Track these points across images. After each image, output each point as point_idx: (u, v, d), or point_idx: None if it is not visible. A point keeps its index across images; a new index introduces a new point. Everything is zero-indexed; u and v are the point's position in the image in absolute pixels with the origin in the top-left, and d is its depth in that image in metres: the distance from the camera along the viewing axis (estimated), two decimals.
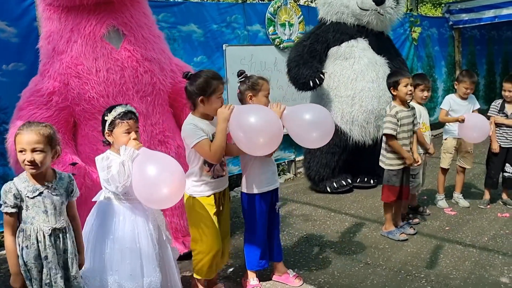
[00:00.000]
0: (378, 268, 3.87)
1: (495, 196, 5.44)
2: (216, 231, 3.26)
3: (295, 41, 6.65)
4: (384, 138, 4.43)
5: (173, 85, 4.03)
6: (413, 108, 4.45)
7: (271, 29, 6.67)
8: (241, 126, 3.03)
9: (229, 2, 6.99)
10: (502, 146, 5.18)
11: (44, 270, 2.53)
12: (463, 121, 4.87)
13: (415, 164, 4.42)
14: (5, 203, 2.50)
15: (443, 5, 11.94)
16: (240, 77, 3.48)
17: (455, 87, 5.26)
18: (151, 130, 3.82)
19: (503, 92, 5.18)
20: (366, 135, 5.83)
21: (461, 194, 5.42)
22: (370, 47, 5.95)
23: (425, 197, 5.64)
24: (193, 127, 3.10)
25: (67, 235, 2.61)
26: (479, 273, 3.72)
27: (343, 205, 5.56)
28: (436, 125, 7.98)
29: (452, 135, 5.18)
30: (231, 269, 3.90)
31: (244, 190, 3.50)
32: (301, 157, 6.97)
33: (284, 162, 7.21)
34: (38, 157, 2.46)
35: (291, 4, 6.92)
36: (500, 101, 5.26)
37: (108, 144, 3.01)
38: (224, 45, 6.08)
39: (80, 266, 2.74)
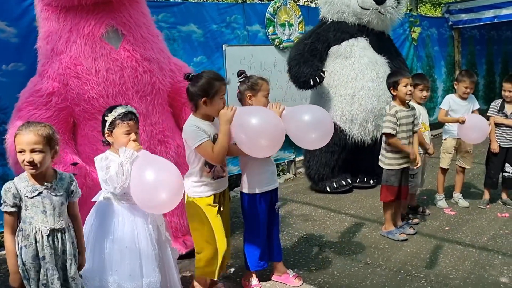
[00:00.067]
0: (378, 268, 3.87)
1: (495, 196, 5.44)
2: (222, 230, 3.24)
3: (295, 41, 6.65)
4: (383, 138, 4.44)
5: (172, 85, 4.03)
6: (413, 108, 4.45)
7: (270, 29, 6.67)
8: (243, 128, 3.02)
9: (228, 2, 6.99)
10: (501, 146, 5.18)
11: (41, 271, 2.53)
12: (463, 122, 4.87)
13: (415, 167, 4.42)
14: (5, 202, 2.51)
15: (442, 5, 11.96)
16: (240, 77, 3.48)
17: (455, 87, 5.26)
18: (151, 130, 3.82)
19: (503, 92, 5.19)
20: (365, 134, 5.83)
21: (461, 194, 5.42)
22: (370, 46, 5.95)
23: (425, 197, 5.64)
24: (195, 129, 3.08)
25: (66, 235, 2.60)
26: (479, 273, 3.72)
27: (342, 205, 5.56)
28: (436, 125, 7.98)
29: (452, 135, 5.18)
30: (231, 269, 3.90)
31: (244, 190, 3.49)
32: (300, 157, 6.98)
33: (284, 162, 7.21)
34: (37, 157, 2.46)
35: (291, 4, 6.93)
36: (499, 101, 5.27)
37: (108, 144, 3.01)
38: (223, 45, 6.08)
39: (80, 267, 2.73)
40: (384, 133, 4.36)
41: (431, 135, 5.09)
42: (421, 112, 4.77)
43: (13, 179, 2.56)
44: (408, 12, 9.24)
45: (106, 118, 2.95)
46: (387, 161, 4.40)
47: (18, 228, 2.55)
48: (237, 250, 4.10)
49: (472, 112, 5.15)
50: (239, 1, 7.55)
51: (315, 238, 4.56)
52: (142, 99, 3.76)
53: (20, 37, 4.35)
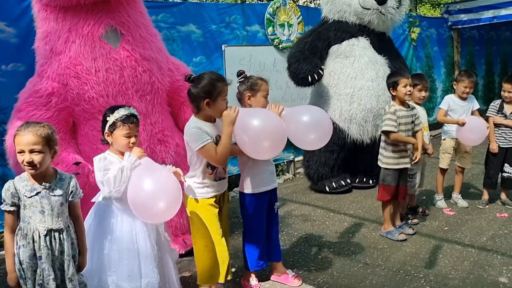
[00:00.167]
0: (377, 268, 3.87)
1: (494, 196, 5.44)
2: (221, 233, 3.23)
3: (294, 42, 6.65)
4: (382, 137, 4.44)
5: (171, 84, 4.04)
6: (413, 108, 4.45)
7: (270, 29, 6.67)
8: (245, 130, 3.01)
9: (228, 2, 7.00)
10: (501, 146, 5.18)
11: (38, 271, 2.53)
12: (463, 125, 4.86)
13: (413, 161, 4.40)
14: (4, 201, 2.53)
15: (442, 5, 11.97)
16: (239, 78, 3.48)
17: (454, 87, 5.26)
18: (151, 129, 3.82)
19: (502, 93, 5.19)
20: (364, 133, 5.84)
21: (460, 194, 5.42)
22: (371, 46, 5.97)
23: (424, 197, 5.65)
24: (198, 130, 3.05)
25: (65, 236, 2.59)
26: (478, 273, 3.72)
27: (342, 205, 5.56)
28: (435, 126, 7.97)
29: (451, 135, 5.19)
30: (231, 267, 3.90)
31: (243, 190, 3.49)
32: (300, 158, 6.99)
33: (283, 162, 7.22)
34: (36, 157, 2.46)
35: (290, 5, 6.93)
36: (499, 101, 5.27)
37: (107, 143, 3.01)
38: (223, 46, 6.08)
39: (80, 268, 2.72)
40: (384, 131, 4.34)
41: (430, 136, 5.09)
42: (420, 112, 4.77)
43: (13, 179, 2.57)
44: (407, 12, 9.24)
45: (107, 118, 2.94)
46: (385, 160, 4.41)
47: (18, 227, 2.56)
48: (236, 250, 4.10)
49: (472, 112, 5.16)
50: (239, 2, 7.54)
51: (314, 238, 4.56)
52: (142, 98, 3.76)
53: (19, 37, 4.34)
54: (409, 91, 4.31)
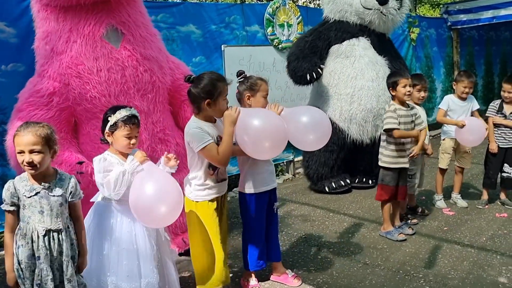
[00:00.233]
0: (377, 268, 3.87)
1: (493, 196, 5.45)
2: (219, 236, 3.21)
3: (294, 42, 6.65)
4: (383, 137, 4.43)
5: (172, 82, 4.06)
6: (413, 108, 4.46)
7: (269, 29, 6.68)
8: (246, 130, 3.01)
9: (227, 2, 7.00)
10: (500, 146, 5.19)
11: (36, 271, 2.53)
12: (463, 126, 4.86)
13: (409, 154, 4.37)
14: (5, 200, 2.53)
15: (441, 5, 11.97)
16: (239, 78, 3.48)
17: (454, 87, 5.26)
18: (152, 128, 3.84)
19: (502, 93, 5.19)
20: (364, 133, 5.84)
21: (459, 195, 5.43)
22: (371, 46, 5.97)
23: (424, 198, 5.65)
24: (199, 131, 3.03)
25: (64, 237, 2.58)
26: (477, 273, 3.72)
27: (341, 205, 5.57)
28: (434, 126, 7.98)
29: (450, 135, 5.19)
30: (230, 270, 3.90)
31: (242, 190, 3.49)
32: (299, 158, 6.98)
33: (283, 162, 7.22)
34: (36, 158, 2.46)
35: (290, 5, 6.93)
36: (498, 101, 5.27)
37: (106, 143, 3.01)
38: (222, 46, 6.08)
39: (80, 269, 2.71)
40: (387, 129, 4.31)
41: (430, 136, 5.10)
42: (419, 112, 4.77)
43: (13, 179, 2.58)
44: (407, 12, 9.25)
45: (109, 118, 2.93)
46: (384, 158, 4.40)
47: (18, 227, 2.56)
48: (236, 251, 4.11)
49: (472, 112, 5.16)
50: (238, 2, 7.54)
51: (314, 238, 4.56)
52: (143, 97, 3.78)
53: (19, 37, 4.34)
54: (409, 91, 4.31)
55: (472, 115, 5.15)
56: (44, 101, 3.58)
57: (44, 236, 2.53)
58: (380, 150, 4.48)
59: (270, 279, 3.71)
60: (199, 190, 3.17)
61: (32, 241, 2.52)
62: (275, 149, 3.05)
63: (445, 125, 5.26)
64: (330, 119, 5.56)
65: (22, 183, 2.53)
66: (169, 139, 3.94)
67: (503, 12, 9.11)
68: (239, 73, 3.48)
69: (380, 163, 4.46)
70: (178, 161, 3.14)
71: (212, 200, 3.19)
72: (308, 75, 5.71)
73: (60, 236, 2.57)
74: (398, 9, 5.96)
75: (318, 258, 4.11)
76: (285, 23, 6.87)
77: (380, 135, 5.41)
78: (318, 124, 3.31)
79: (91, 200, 3.06)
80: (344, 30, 5.96)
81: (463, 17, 9.90)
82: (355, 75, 5.83)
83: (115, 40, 3.68)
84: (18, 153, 2.48)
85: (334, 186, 5.96)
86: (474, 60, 11.11)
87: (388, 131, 4.31)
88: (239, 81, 3.47)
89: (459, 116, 5.07)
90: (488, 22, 9.54)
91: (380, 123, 5.55)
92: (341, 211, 5.34)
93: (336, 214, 5.26)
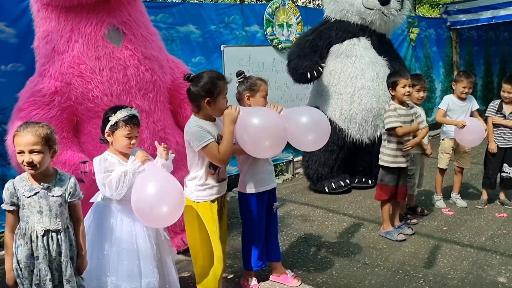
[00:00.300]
0: (376, 268, 3.88)
1: (493, 196, 5.45)
2: (219, 237, 3.20)
3: (293, 42, 6.65)
4: (384, 136, 4.42)
5: (172, 81, 4.09)
6: (412, 107, 4.46)
7: (269, 29, 6.67)
8: (246, 129, 3.01)
9: (227, 2, 7.01)
10: (499, 146, 5.19)
11: (35, 271, 2.53)
12: (463, 127, 4.85)
13: (404, 148, 4.37)
14: (5, 200, 2.54)
15: (440, 6, 11.98)
16: (238, 78, 3.48)
17: (453, 87, 5.27)
18: (153, 127, 3.86)
19: (502, 93, 5.19)
20: (363, 133, 5.84)
21: (459, 195, 5.43)
22: (372, 46, 5.98)
23: (423, 198, 5.65)
24: (200, 129, 3.02)
25: (63, 237, 2.58)
26: (477, 273, 3.73)
27: (341, 205, 5.57)
28: (434, 126, 7.98)
29: (449, 135, 5.19)
30: (229, 270, 3.91)
31: (241, 189, 3.49)
32: (299, 158, 6.98)
33: (282, 162, 7.22)
34: (36, 158, 2.46)
35: (289, 5, 6.93)
36: (498, 101, 5.28)
37: (106, 143, 3.01)
38: (222, 46, 6.09)
39: (80, 270, 2.70)
40: (390, 128, 4.28)
41: (429, 136, 5.10)
42: (419, 112, 4.78)
43: (14, 179, 2.59)
44: (407, 14, 9.26)
45: (109, 118, 2.93)
46: (384, 158, 4.40)
47: (17, 227, 2.56)
48: (235, 251, 4.11)
49: (472, 112, 5.17)
50: (238, 2, 7.54)
51: (313, 238, 4.56)
52: (145, 96, 3.80)
53: (19, 37, 4.33)
54: (408, 91, 4.31)
55: (471, 115, 5.15)
56: (45, 100, 3.58)
57: (42, 236, 2.53)
58: (381, 149, 4.48)
59: (270, 279, 3.71)
60: (200, 191, 3.16)
61: (31, 241, 2.53)
62: (275, 147, 3.05)
63: (444, 125, 5.26)
64: (330, 118, 5.65)
65: (22, 183, 2.54)
66: (170, 138, 3.97)
67: (502, 12, 9.11)
68: (239, 73, 3.48)
69: (380, 162, 4.46)
70: (171, 152, 3.13)
71: (213, 201, 3.18)
72: (309, 73, 5.72)
73: (59, 236, 2.57)
74: (399, 10, 5.96)
75: (317, 258, 4.12)
76: (285, 23, 6.87)
77: (380, 135, 5.43)
78: (317, 125, 3.30)
79: (90, 201, 3.06)
80: (345, 30, 5.96)
81: (462, 17, 9.90)
82: (355, 74, 5.83)
83: (117, 40, 3.70)
84: (18, 153, 2.48)
85: (334, 187, 5.97)
86: (474, 60, 11.11)
87: (391, 130, 4.30)
88: (239, 81, 3.47)
89: (458, 116, 5.07)
90: (488, 22, 9.55)
91: (380, 123, 5.56)
92: (341, 211, 5.34)
93: (336, 214, 5.26)
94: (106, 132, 2.95)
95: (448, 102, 5.16)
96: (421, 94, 4.81)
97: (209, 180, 3.16)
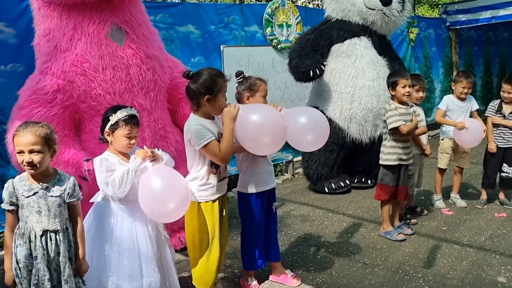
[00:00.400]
0: (376, 268, 3.88)
1: (492, 196, 5.46)
2: (219, 238, 3.20)
3: (293, 42, 6.66)
4: (385, 136, 4.42)
5: (171, 81, 4.11)
6: (412, 106, 4.46)
7: (268, 30, 6.68)
8: (246, 126, 3.01)
9: (226, 3, 7.01)
10: (499, 146, 5.20)
11: (33, 271, 2.53)
12: (462, 129, 4.85)
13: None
14: (4, 200, 2.54)
15: (440, 6, 11.99)
16: (238, 78, 3.48)
17: (452, 88, 5.27)
18: (154, 126, 3.89)
19: (502, 93, 5.19)
20: (363, 133, 5.85)
21: (458, 194, 5.43)
22: (372, 46, 5.98)
23: (423, 198, 5.65)
24: (201, 127, 3.00)
25: (61, 237, 2.57)
26: (476, 273, 3.73)
27: (341, 205, 5.57)
28: (434, 126, 7.99)
29: (449, 135, 5.19)
30: (229, 270, 3.91)
31: (241, 189, 3.49)
32: (299, 158, 6.98)
33: (282, 162, 7.22)
34: (36, 158, 2.46)
35: (289, 5, 6.94)
36: (497, 101, 5.28)
37: (105, 142, 3.02)
38: (221, 46, 6.09)
39: (80, 271, 2.69)
40: (393, 128, 4.26)
41: (429, 136, 5.10)
42: (418, 111, 4.78)
43: (13, 178, 2.59)
44: (408, 15, 9.27)
45: (109, 117, 2.94)
46: (385, 156, 4.39)
47: (17, 226, 2.57)
48: (235, 251, 4.11)
49: (471, 113, 5.17)
50: (237, 2, 7.54)
51: (313, 238, 4.56)
52: (147, 95, 3.83)
53: (18, 37, 4.33)
54: (408, 92, 4.31)
55: (471, 115, 5.16)
56: (48, 98, 3.59)
57: (41, 236, 2.53)
58: (381, 149, 4.47)
59: (269, 279, 3.71)
60: (202, 191, 3.14)
61: (30, 241, 2.53)
62: (275, 144, 3.06)
63: (443, 125, 5.26)
64: (330, 118, 5.66)
65: (21, 183, 2.54)
66: (169, 136, 4.00)
67: (501, 12, 9.12)
68: (238, 74, 3.48)
69: (381, 162, 4.45)
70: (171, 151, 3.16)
71: (214, 201, 3.18)
72: (311, 71, 5.72)
73: (57, 236, 2.57)
74: (401, 11, 5.97)
75: (317, 258, 4.12)
76: (284, 24, 6.87)
77: (379, 134, 5.43)
78: (316, 125, 3.30)
79: (91, 201, 3.06)
80: (346, 30, 5.97)
81: (461, 17, 9.91)
82: (356, 74, 5.84)
83: (119, 39, 3.72)
84: (18, 153, 2.48)
85: (334, 187, 5.97)
86: (473, 60, 11.12)
87: (394, 129, 4.29)
88: (238, 82, 3.47)
89: (458, 116, 5.08)
90: (487, 22, 9.56)
91: (380, 122, 5.56)
92: (340, 211, 5.34)
93: (335, 214, 5.26)
94: (106, 132, 2.95)
95: (448, 102, 5.16)
96: (420, 94, 4.82)
97: (211, 180, 3.15)
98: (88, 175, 3.43)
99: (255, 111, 3.06)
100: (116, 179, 2.83)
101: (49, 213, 2.54)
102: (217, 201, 3.19)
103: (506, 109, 5.16)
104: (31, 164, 2.45)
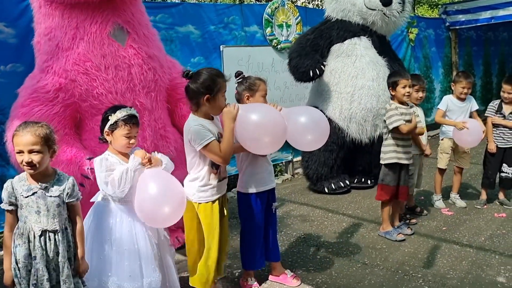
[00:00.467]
0: (376, 268, 3.88)
1: (492, 196, 5.46)
2: (218, 239, 3.21)
3: (293, 42, 6.66)
4: (385, 136, 4.42)
5: (170, 81, 4.13)
6: (412, 107, 4.46)
7: (268, 30, 6.68)
8: (246, 126, 3.01)
9: (226, 3, 7.01)
10: (499, 146, 5.20)
11: (32, 271, 2.53)
12: (462, 128, 4.85)
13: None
14: (3, 200, 2.54)
15: (439, 6, 11.99)
16: (238, 78, 3.47)
17: (452, 88, 5.27)
18: (154, 125, 3.90)
19: (502, 93, 5.19)
20: (363, 133, 5.85)
21: (458, 195, 5.43)
22: (372, 46, 5.98)
23: (422, 198, 5.66)
24: (201, 128, 3.00)
25: (60, 238, 2.57)
26: (476, 273, 3.73)
27: (340, 205, 5.57)
28: (433, 126, 7.99)
29: (449, 135, 5.19)
30: (229, 270, 3.91)
31: (240, 189, 3.49)
32: (298, 158, 6.98)
33: (282, 162, 7.22)
34: (35, 158, 2.46)
35: (289, 5, 6.94)
36: (497, 101, 5.28)
37: (105, 142, 3.02)
38: (221, 46, 6.09)
39: (79, 272, 2.68)
40: (395, 128, 4.25)
41: (428, 136, 5.10)
42: (417, 112, 4.78)
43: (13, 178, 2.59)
44: (408, 16, 9.27)
45: (109, 117, 2.94)
46: (385, 155, 4.39)
47: (16, 226, 2.57)
48: (235, 251, 4.10)
49: (471, 113, 5.17)
50: (237, 2, 7.54)
51: (313, 238, 4.56)
52: (148, 95, 3.85)
53: (18, 37, 4.33)
54: (408, 92, 4.31)
55: (470, 116, 5.16)
56: (49, 97, 3.60)
57: (40, 236, 2.53)
58: (382, 149, 4.46)
59: (269, 279, 3.71)
60: (203, 191, 3.14)
61: (29, 241, 2.53)
62: (275, 144, 3.06)
63: (443, 125, 5.26)
64: (329, 118, 5.66)
65: (20, 183, 2.54)
66: (169, 136, 4.02)
67: (501, 12, 9.12)
68: (238, 74, 3.48)
69: (381, 161, 4.44)
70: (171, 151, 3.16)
71: (214, 201, 3.18)
72: (311, 71, 5.72)
73: (56, 236, 2.56)
74: (401, 12, 5.97)
75: (317, 258, 4.12)
76: (284, 24, 6.87)
77: (379, 134, 5.43)
78: (316, 124, 3.30)
79: (91, 201, 3.06)
80: (346, 30, 5.97)
81: (461, 17, 9.91)
82: (355, 74, 5.84)
83: (121, 39, 3.75)
84: (17, 153, 2.48)
85: (334, 188, 5.97)
86: (473, 60, 11.12)
87: (395, 129, 4.28)
88: (238, 82, 3.47)
89: (457, 117, 5.08)
90: (487, 23, 9.56)
91: (380, 122, 5.56)
92: (340, 211, 5.34)
93: (335, 214, 5.26)
94: (106, 132, 2.96)
95: (448, 102, 5.16)
96: (420, 94, 4.82)
97: (212, 180, 3.15)
98: (90, 174, 3.44)
99: (255, 110, 3.06)
100: (116, 178, 2.83)
101: (48, 213, 2.54)
102: (217, 202, 3.19)
103: (506, 109, 5.16)
104: (30, 164, 2.45)
